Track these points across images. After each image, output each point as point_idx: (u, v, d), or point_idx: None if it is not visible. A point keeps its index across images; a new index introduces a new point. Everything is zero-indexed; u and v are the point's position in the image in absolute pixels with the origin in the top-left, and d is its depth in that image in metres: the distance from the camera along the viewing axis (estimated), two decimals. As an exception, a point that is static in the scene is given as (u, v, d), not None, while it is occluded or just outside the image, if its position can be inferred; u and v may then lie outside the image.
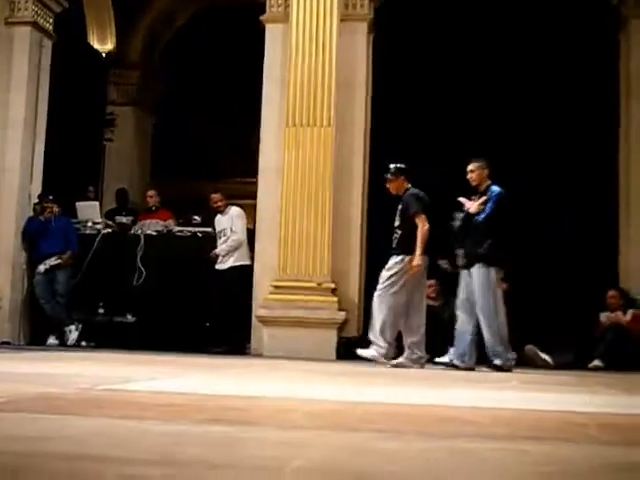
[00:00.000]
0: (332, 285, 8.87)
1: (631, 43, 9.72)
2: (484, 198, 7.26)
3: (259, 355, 8.66)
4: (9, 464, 1.63)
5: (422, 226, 7.26)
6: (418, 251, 7.21)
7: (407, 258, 7.28)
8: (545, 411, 3.39)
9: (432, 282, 8.58)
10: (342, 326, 8.81)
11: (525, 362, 8.21)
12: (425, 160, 7.91)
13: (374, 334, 7.30)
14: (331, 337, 8.63)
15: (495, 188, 7.35)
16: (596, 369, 8.48)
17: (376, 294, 7.34)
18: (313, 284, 8.78)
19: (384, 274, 7.35)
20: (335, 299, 8.85)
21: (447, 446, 2.17)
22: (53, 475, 1.56)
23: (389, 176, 7.56)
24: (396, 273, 7.29)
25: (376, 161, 9.52)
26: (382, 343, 7.22)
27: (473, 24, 10.77)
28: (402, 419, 2.91)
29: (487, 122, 10.69)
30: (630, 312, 9.09)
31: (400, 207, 7.47)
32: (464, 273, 7.35)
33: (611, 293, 9.20)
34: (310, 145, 9.04)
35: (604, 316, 9.14)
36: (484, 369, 7.14)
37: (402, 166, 7.61)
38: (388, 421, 2.83)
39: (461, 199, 7.38)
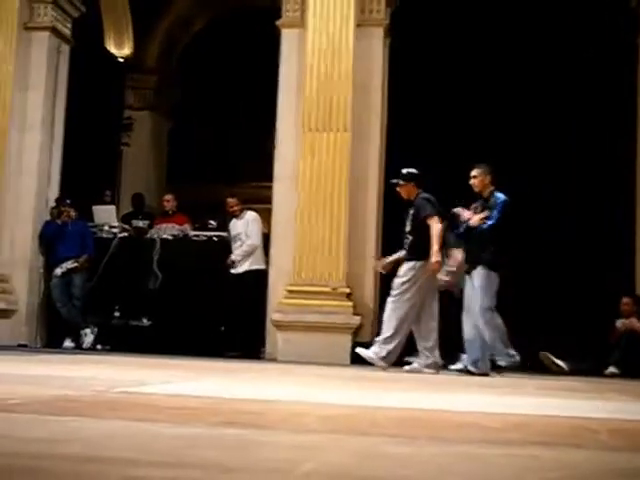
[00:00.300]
0: (347, 290, 8.88)
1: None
2: (486, 213, 7.22)
3: (273, 359, 8.67)
4: (15, 465, 1.65)
5: (435, 226, 7.26)
6: (435, 247, 7.18)
7: (419, 264, 7.28)
8: (557, 417, 3.39)
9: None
10: (357, 331, 8.81)
11: (540, 368, 8.19)
12: (441, 164, 7.91)
13: (380, 339, 7.34)
14: (345, 342, 8.63)
15: (500, 195, 7.35)
16: (612, 376, 8.45)
17: (390, 300, 7.35)
18: (328, 289, 8.79)
19: (397, 281, 7.36)
20: (350, 304, 8.86)
21: (458, 451, 2.18)
22: (57, 477, 1.58)
23: (400, 181, 7.58)
24: (409, 280, 7.30)
25: (392, 166, 9.52)
26: (385, 348, 7.26)
27: (488, 28, 10.76)
28: (414, 424, 2.92)
29: (505, 125, 10.69)
30: (644, 318, 9.07)
31: (411, 212, 7.49)
32: (467, 279, 7.36)
33: (625, 300, 9.17)
34: (326, 150, 9.05)
35: (619, 322, 9.11)
36: (495, 374, 7.14)
37: (413, 171, 7.63)
38: (400, 426, 2.84)
39: (457, 210, 7.38)
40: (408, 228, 7.50)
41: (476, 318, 7.19)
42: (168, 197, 10.81)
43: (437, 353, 7.34)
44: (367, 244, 9.17)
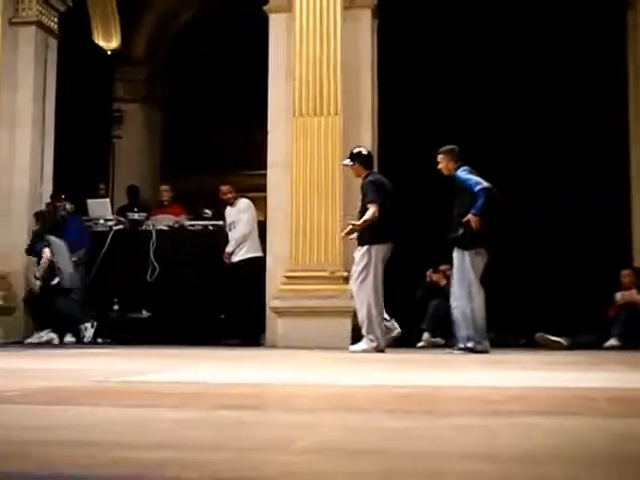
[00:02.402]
0: (345, 273, 8.84)
1: (638, 21, 9.65)
2: (473, 211, 7.15)
3: (273, 346, 8.67)
4: (11, 452, 1.65)
5: (371, 212, 7.30)
6: (360, 221, 7.28)
7: (373, 248, 7.32)
8: (557, 388, 3.39)
9: (447, 267, 8.61)
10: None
11: (538, 347, 8.23)
12: (433, 143, 7.87)
13: (363, 331, 7.38)
14: (345, 325, 8.60)
15: (461, 175, 7.27)
16: (612, 348, 8.46)
17: (354, 290, 7.47)
18: (326, 273, 8.77)
19: (355, 269, 7.43)
20: (348, 287, 8.83)
21: (454, 423, 2.17)
22: (52, 461, 1.57)
23: (349, 161, 7.68)
24: (366, 265, 7.31)
25: (385, 148, 9.51)
26: (372, 337, 7.30)
27: (478, 8, 10.72)
28: (413, 400, 2.91)
29: (495, 105, 10.65)
30: (644, 290, 9.07)
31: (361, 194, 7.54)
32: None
33: (625, 272, 9.18)
34: (318, 134, 9.02)
35: (619, 295, 9.11)
36: (456, 352, 7.14)
37: (361, 151, 7.73)
38: (398, 402, 2.83)
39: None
40: (358, 210, 7.57)
41: (455, 298, 7.23)
42: (165, 187, 10.80)
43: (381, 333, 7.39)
44: (363, 226, 9.14)
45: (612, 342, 8.61)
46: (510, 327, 9.18)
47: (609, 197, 9.98)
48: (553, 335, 8.59)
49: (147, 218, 10.13)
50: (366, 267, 7.32)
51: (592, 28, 10.46)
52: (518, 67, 10.82)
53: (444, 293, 8.38)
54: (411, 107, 10.56)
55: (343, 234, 7.75)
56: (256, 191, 10.77)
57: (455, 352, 7.12)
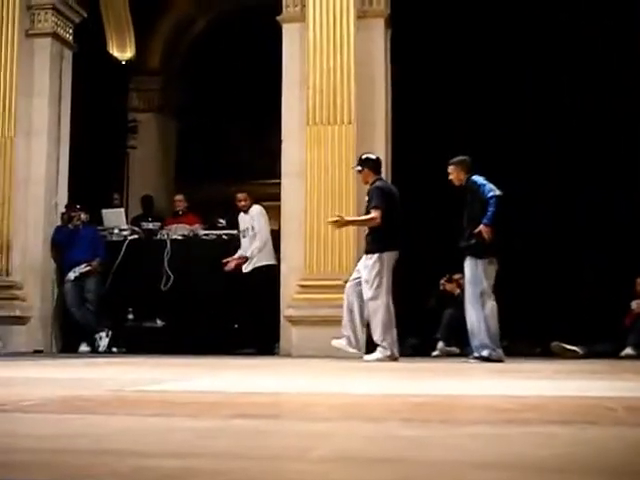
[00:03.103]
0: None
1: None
2: (485, 222, 7.17)
3: (288, 355, 8.67)
4: (29, 461, 1.65)
5: (373, 216, 7.43)
6: (355, 218, 7.71)
7: (384, 255, 7.40)
8: (573, 397, 3.37)
9: (460, 276, 8.59)
10: (369, 324, 8.77)
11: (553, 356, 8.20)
12: (447, 151, 7.87)
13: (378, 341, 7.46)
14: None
15: (475, 179, 7.31)
16: (628, 357, 8.41)
17: (367, 301, 7.49)
18: (340, 282, 8.74)
19: (365, 280, 7.47)
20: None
21: (471, 432, 2.16)
22: (69, 469, 1.57)
23: (358, 167, 7.75)
24: (378, 273, 7.37)
25: (398, 156, 9.50)
26: (386, 344, 7.35)
27: (489, 15, 10.71)
28: (429, 409, 2.90)
29: (506, 111, 10.64)
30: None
31: (366, 199, 7.62)
32: None
33: (639, 280, 9.14)
34: (332, 143, 9.03)
35: (635, 303, 9.06)
36: (471, 360, 7.14)
37: (370, 156, 7.81)
38: (414, 411, 2.82)
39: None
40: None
41: (468, 307, 7.25)
42: (179, 197, 10.84)
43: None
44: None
45: (628, 351, 8.56)
46: (525, 336, 9.15)
47: (623, 203, 9.93)
48: (569, 344, 8.55)
49: (161, 228, 10.16)
50: (379, 274, 7.35)
51: (602, 32, 10.43)
52: (528, 73, 10.80)
53: (458, 302, 8.37)
54: (424, 114, 10.56)
55: (330, 220, 7.79)
56: (271, 200, 10.78)
57: (470, 361, 7.10)
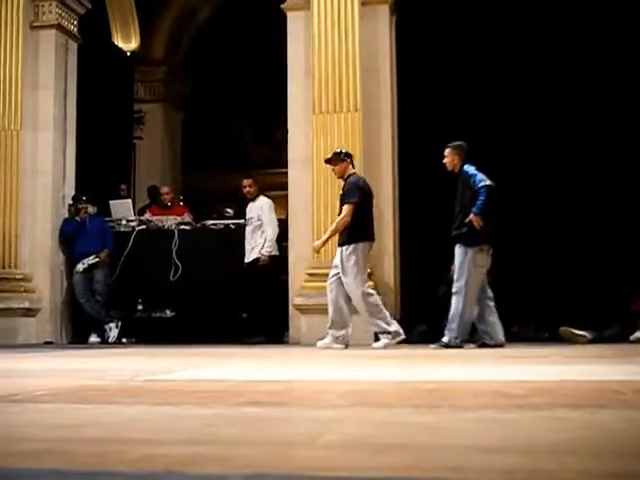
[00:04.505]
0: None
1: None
2: (474, 210, 7.19)
3: (297, 343, 8.68)
4: (40, 450, 1.66)
5: (346, 213, 7.53)
6: (326, 235, 7.74)
7: (359, 245, 7.53)
8: (582, 381, 3.37)
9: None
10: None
11: (562, 342, 8.18)
12: (451, 141, 7.84)
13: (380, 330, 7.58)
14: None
15: (467, 169, 7.35)
16: (637, 341, 8.38)
17: (351, 293, 7.56)
18: (348, 269, 8.76)
19: (344, 269, 7.54)
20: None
21: (480, 416, 2.16)
22: (79, 457, 1.58)
23: (333, 159, 7.80)
24: (356, 263, 7.48)
25: (405, 144, 9.49)
26: (382, 325, 7.51)
27: (497, 2, 10.65)
28: (439, 395, 2.91)
29: (514, 99, 10.57)
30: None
31: (342, 192, 7.71)
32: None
33: (650, 264, 9.10)
34: (338, 131, 9.02)
35: (644, 287, 9.02)
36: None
37: (348, 152, 7.90)
38: (423, 397, 2.82)
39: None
40: (338, 210, 7.75)
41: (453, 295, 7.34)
42: (166, 189, 11.07)
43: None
44: (384, 223, 9.13)
45: (637, 335, 8.53)
46: (534, 321, 9.14)
47: (633, 188, 9.88)
48: (577, 329, 8.53)
49: (149, 221, 10.15)
50: (356, 264, 7.48)
51: (609, 24, 10.35)
52: (534, 61, 10.72)
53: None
54: (430, 102, 10.50)
55: (318, 244, 7.88)
56: (277, 189, 10.79)
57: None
